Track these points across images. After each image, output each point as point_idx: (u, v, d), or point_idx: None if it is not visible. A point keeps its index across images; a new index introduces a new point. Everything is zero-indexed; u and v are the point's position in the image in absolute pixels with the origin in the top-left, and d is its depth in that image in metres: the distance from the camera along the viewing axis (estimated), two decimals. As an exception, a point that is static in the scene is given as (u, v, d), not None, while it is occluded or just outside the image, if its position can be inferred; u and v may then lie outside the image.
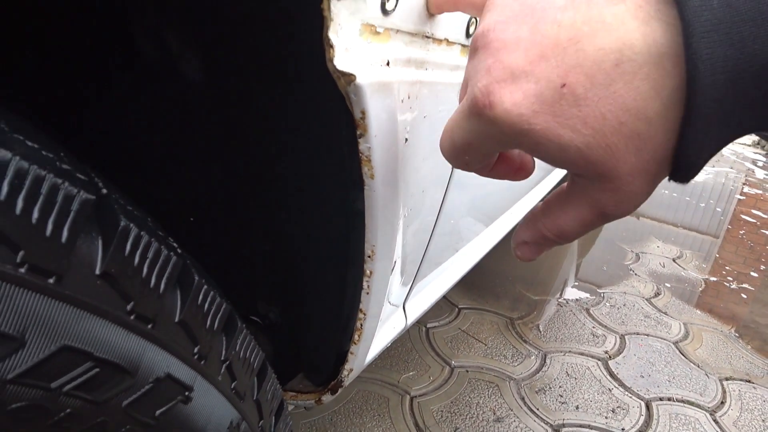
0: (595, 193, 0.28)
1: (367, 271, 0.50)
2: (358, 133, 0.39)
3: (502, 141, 0.28)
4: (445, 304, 1.87)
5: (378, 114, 0.39)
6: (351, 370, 0.62)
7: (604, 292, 2.12)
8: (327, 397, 0.66)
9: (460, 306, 1.87)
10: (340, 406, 1.35)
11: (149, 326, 0.30)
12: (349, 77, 0.36)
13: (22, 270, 0.24)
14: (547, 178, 1.92)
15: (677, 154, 0.26)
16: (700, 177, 4.62)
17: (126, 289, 0.29)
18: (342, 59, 0.36)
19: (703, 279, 2.41)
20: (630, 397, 1.54)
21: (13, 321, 0.24)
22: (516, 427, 1.37)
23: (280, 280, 0.70)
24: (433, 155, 0.56)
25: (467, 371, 1.55)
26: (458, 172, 0.67)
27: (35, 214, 0.25)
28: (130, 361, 0.30)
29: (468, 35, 0.57)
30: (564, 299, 2.02)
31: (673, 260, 2.59)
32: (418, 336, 1.67)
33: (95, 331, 0.27)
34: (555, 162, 0.27)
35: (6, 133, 0.25)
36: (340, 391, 0.65)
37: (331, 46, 0.35)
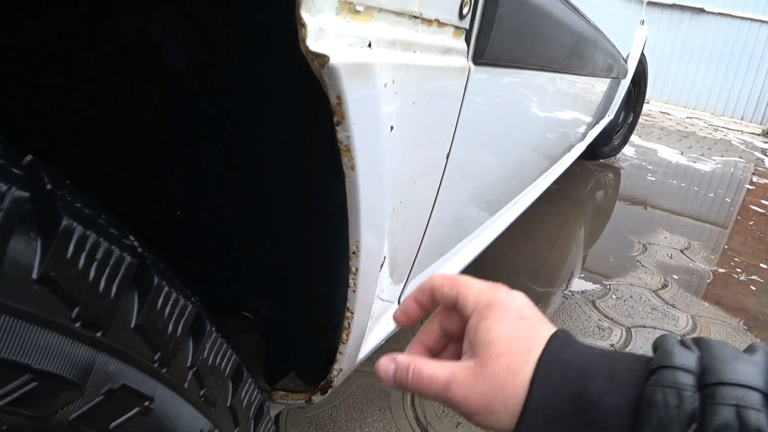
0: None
1: (353, 269, 0.47)
2: (335, 120, 0.36)
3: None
4: (448, 296, 1.84)
5: (357, 99, 0.36)
6: (341, 370, 0.59)
7: (610, 284, 2.08)
8: (317, 397, 0.64)
9: (463, 298, 1.84)
10: (340, 401, 1.33)
11: (98, 334, 0.28)
12: (323, 59, 0.33)
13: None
14: (551, 170, 1.89)
15: None
16: (709, 167, 4.56)
17: (70, 295, 0.26)
18: (315, 40, 0.33)
19: (711, 270, 2.37)
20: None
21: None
22: (519, 422, 1.34)
23: (272, 277, 0.67)
24: (424, 143, 0.53)
25: (470, 365, 1.52)
26: (455, 160, 0.64)
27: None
28: (77, 371, 0.27)
29: (462, 16, 0.54)
30: (569, 291, 1.98)
31: (681, 251, 2.55)
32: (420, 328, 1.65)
33: (33, 340, 0.25)
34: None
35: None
36: (330, 391, 0.63)
37: (303, 26, 0.32)
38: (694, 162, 4.65)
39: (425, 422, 1.30)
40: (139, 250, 0.31)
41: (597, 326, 1.78)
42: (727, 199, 3.67)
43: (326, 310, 0.55)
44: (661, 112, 7.51)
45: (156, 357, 0.31)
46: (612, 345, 1.68)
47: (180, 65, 0.52)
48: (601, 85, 2.18)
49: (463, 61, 0.57)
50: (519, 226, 2.44)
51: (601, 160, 4.05)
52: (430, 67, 0.49)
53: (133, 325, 0.30)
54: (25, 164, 0.26)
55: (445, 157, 0.61)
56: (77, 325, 0.26)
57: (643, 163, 4.32)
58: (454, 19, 0.52)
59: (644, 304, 1.97)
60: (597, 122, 2.76)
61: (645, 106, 6.65)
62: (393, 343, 1.56)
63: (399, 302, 0.74)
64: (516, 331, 0.43)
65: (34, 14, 0.50)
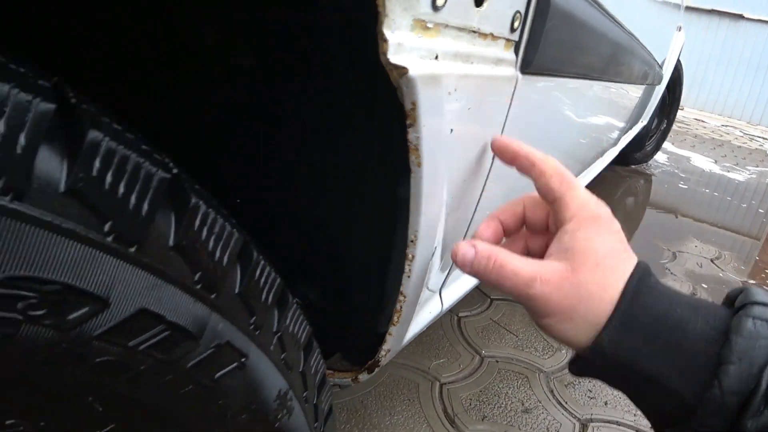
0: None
1: (409, 255, 0.52)
2: (408, 123, 0.41)
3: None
4: (478, 294, 1.88)
5: (427, 105, 0.41)
6: (388, 350, 0.64)
7: (638, 290, 2.10)
8: (363, 376, 0.69)
9: (492, 297, 1.88)
10: (371, 389, 1.38)
11: (213, 296, 0.33)
12: (402, 70, 0.38)
13: (109, 239, 0.27)
14: (584, 173, 1.91)
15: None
16: (743, 176, 4.51)
17: (194, 261, 0.32)
18: (394, 53, 0.38)
19: (741, 281, 2.36)
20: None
21: (100, 283, 0.27)
22: (544, 419, 1.38)
23: (323, 264, 0.72)
24: (475, 146, 0.58)
25: (497, 361, 1.57)
26: (497, 166, 0.68)
27: (121, 189, 0.28)
28: (196, 326, 0.32)
29: (512, 29, 0.58)
30: (597, 295, 2.01)
31: (711, 261, 2.54)
32: (449, 324, 1.69)
33: (168, 296, 0.30)
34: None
35: (94, 114, 0.28)
36: (376, 370, 0.68)
37: (385, 41, 0.37)
38: (728, 171, 4.60)
39: (452, 414, 1.35)
40: (239, 228, 0.36)
41: (624, 330, 1.80)
42: (761, 210, 3.63)
43: (380, 295, 0.60)
44: (696, 119, 7.42)
45: (252, 320, 0.37)
46: (638, 349, 1.71)
47: (252, 66, 0.58)
48: (635, 91, 2.20)
49: (512, 71, 0.62)
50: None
51: (633, 166, 4.04)
52: (484, 76, 0.54)
53: (237, 291, 0.35)
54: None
55: (492, 158, 0.66)
56: (198, 287, 0.32)
57: (676, 171, 4.29)
58: (505, 32, 0.57)
59: (672, 310, 1.98)
60: (630, 128, 2.77)
61: (679, 113, 6.57)
62: (426, 334, 1.61)
63: (440, 293, 0.79)
64: (615, 251, 0.43)
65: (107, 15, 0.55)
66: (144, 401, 0.32)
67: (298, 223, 0.69)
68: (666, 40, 2.83)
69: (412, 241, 0.51)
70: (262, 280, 0.37)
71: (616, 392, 1.51)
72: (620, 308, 0.41)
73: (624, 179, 3.73)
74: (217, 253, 0.33)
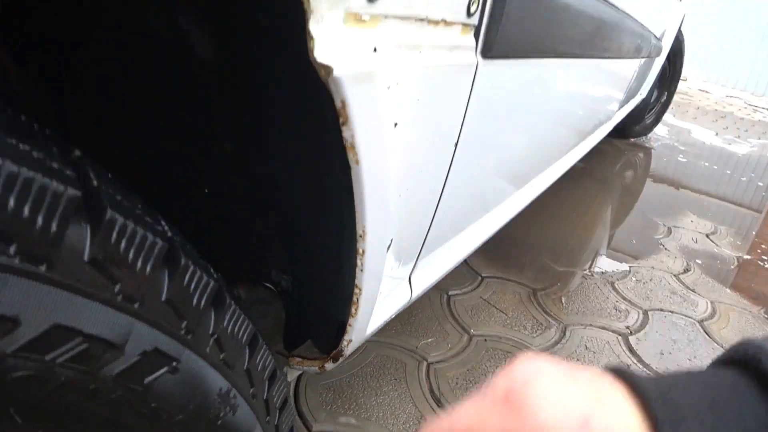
0: None
1: (360, 250, 0.52)
2: (341, 120, 0.40)
3: None
4: (468, 272, 1.88)
5: (360, 102, 0.40)
6: (350, 341, 0.65)
7: (631, 266, 2.10)
8: (329, 365, 0.69)
9: (483, 275, 1.88)
10: (357, 369, 1.39)
11: (136, 305, 0.33)
12: (328, 69, 0.37)
13: (16, 260, 0.27)
14: (572, 151, 1.90)
15: None
16: (744, 149, 4.46)
17: (113, 273, 0.31)
18: (322, 51, 0.37)
19: (736, 257, 2.35)
20: (648, 374, 1.54)
21: (10, 304, 0.27)
22: (530, 396, 1.39)
23: (291, 251, 0.72)
24: (430, 135, 0.57)
25: (485, 340, 1.58)
26: (464, 148, 0.67)
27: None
28: (118, 336, 0.32)
29: (470, 14, 0.57)
30: (590, 272, 2.01)
31: (707, 236, 2.53)
32: (438, 303, 1.70)
33: (84, 310, 0.30)
34: None
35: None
36: (341, 360, 0.68)
37: (312, 38, 0.37)
38: (729, 144, 4.56)
39: (439, 393, 1.36)
40: (169, 234, 0.36)
41: (614, 307, 1.81)
42: (760, 184, 3.61)
43: (338, 285, 0.60)
44: (700, 90, 7.33)
45: (183, 325, 0.37)
46: (628, 327, 1.71)
47: (207, 55, 0.57)
48: (629, 65, 2.17)
49: (471, 57, 0.61)
50: (544, 205, 2.46)
51: (632, 139, 4.00)
52: (435, 65, 0.53)
53: (164, 298, 0.35)
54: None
55: (453, 145, 0.65)
56: (119, 298, 0.32)
57: (676, 144, 4.25)
58: (461, 17, 0.56)
59: (664, 287, 1.98)
60: (627, 102, 2.74)
61: (683, 84, 6.49)
62: (414, 314, 1.62)
63: (410, 279, 0.79)
64: None
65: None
66: (72, 409, 0.32)
67: (265, 211, 0.69)
68: (665, 11, 2.78)
69: (360, 236, 0.50)
70: (193, 284, 0.37)
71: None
72: None
73: (623, 153, 3.70)
74: (139, 263, 0.33)
